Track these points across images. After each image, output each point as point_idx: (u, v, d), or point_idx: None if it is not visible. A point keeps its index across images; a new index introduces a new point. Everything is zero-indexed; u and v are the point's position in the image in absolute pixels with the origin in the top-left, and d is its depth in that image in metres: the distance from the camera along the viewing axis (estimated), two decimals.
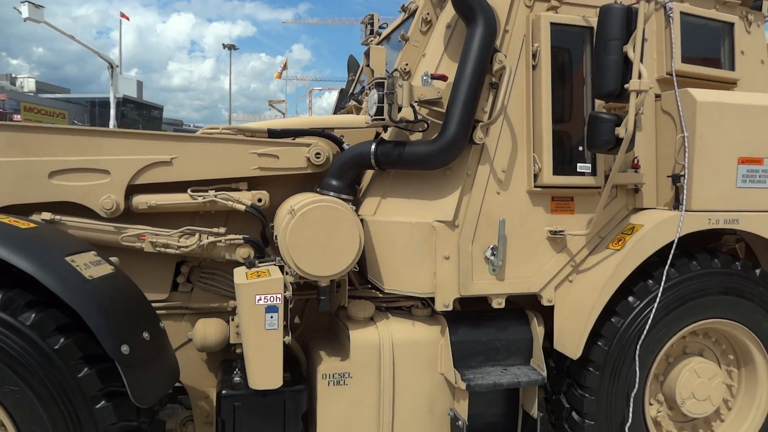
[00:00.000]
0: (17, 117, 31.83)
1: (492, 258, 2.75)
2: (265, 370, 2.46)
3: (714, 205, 2.88)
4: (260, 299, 2.42)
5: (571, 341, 2.80)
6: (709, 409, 3.01)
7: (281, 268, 2.59)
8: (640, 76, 2.40)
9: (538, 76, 2.77)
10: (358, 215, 2.80)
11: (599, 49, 2.51)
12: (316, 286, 2.63)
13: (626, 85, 2.42)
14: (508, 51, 2.79)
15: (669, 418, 3.09)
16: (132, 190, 2.72)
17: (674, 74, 2.95)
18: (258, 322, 2.43)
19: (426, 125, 2.75)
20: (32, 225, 2.29)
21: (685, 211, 2.82)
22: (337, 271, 2.53)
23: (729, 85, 3.21)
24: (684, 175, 2.84)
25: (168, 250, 2.70)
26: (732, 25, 3.20)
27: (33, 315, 2.03)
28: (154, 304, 2.82)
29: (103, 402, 2.07)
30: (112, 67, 24.62)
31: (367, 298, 2.95)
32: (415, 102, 2.68)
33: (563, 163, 2.82)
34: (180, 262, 2.94)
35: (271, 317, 2.43)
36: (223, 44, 46.36)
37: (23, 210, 2.54)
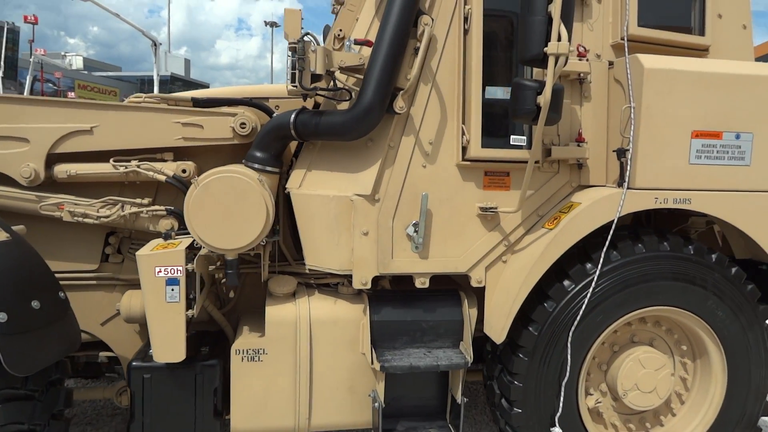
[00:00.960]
0: (71, 94, 33.06)
1: (413, 235, 2.61)
2: (166, 343, 2.44)
3: (663, 182, 2.64)
4: (159, 271, 2.38)
5: (497, 324, 2.65)
6: (654, 402, 2.81)
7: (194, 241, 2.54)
8: (559, 39, 2.19)
9: (469, 41, 2.58)
10: (285, 188, 2.72)
11: (524, 10, 2.32)
12: (224, 259, 2.57)
13: (544, 49, 2.21)
14: (438, 14, 2.61)
15: (613, 409, 2.91)
16: (54, 159, 2.71)
17: (626, 39, 2.69)
18: (158, 294, 2.40)
19: (350, 95, 2.62)
20: None
21: (629, 188, 2.60)
22: (243, 245, 2.46)
23: (699, 51, 2.92)
24: (629, 150, 2.61)
25: (87, 220, 2.69)
26: None
27: None
28: (83, 274, 2.85)
29: None
30: (155, 45, 25.15)
31: (296, 274, 2.89)
32: (336, 69, 2.56)
33: (494, 136, 2.63)
34: (109, 233, 2.93)
35: (172, 290, 2.40)
36: (265, 22, 46.59)
37: None
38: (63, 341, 2.30)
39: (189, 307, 2.48)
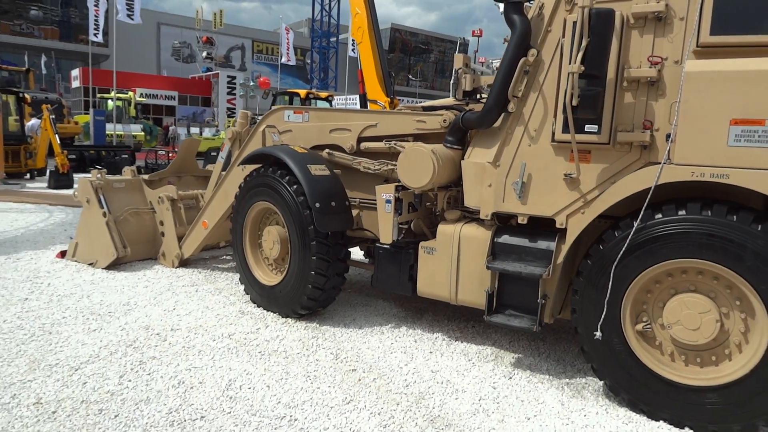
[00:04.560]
0: None
1: (516, 188, 4.14)
2: (385, 234, 4.74)
3: (700, 160, 3.35)
4: (383, 195, 4.70)
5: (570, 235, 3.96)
6: (698, 339, 3.49)
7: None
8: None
9: (564, 66, 3.90)
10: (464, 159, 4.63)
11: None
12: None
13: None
14: (545, 46, 4.03)
15: (671, 340, 3.66)
16: (361, 140, 5.39)
17: (697, 47, 3.46)
18: (382, 206, 4.72)
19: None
20: (304, 151, 5.25)
21: (667, 163, 3.45)
22: (419, 185, 4.50)
23: None
24: (671, 134, 3.45)
25: (370, 171, 5.26)
26: None
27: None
28: (363, 198, 5.48)
29: None
30: None
31: (463, 210, 4.74)
32: (482, 85, 4.34)
33: (574, 125, 3.87)
34: (385, 179, 5.44)
35: (387, 204, 4.68)
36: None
37: (316, 148, 5.58)
38: (344, 223, 4.92)
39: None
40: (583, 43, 3.50)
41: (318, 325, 5.02)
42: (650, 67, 3.65)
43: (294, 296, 5.03)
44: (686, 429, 3.53)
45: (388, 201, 4.70)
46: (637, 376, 3.68)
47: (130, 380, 3.79)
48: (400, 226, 4.90)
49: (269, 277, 5.45)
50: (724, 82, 3.28)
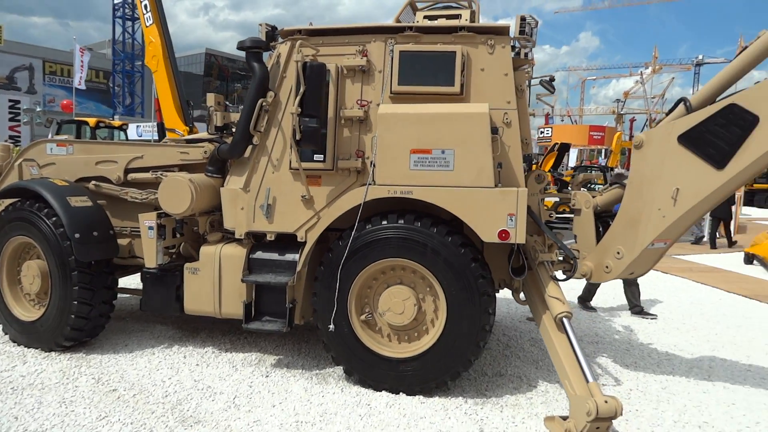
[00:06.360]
0: None
1: (263, 210, 4.77)
2: (149, 258, 5.03)
3: (393, 180, 4.33)
4: (145, 222, 4.99)
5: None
6: (404, 321, 4.44)
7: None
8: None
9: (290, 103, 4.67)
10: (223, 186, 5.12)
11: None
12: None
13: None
14: (282, 89, 4.76)
15: (388, 325, 4.57)
16: (128, 171, 5.59)
17: (391, 94, 4.46)
18: (145, 232, 5.01)
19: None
20: (64, 183, 5.31)
21: (372, 184, 4.37)
22: (181, 211, 4.89)
23: (455, 96, 4.47)
24: (373, 160, 4.39)
25: (136, 200, 5.50)
26: (454, 53, 4.45)
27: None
28: (128, 226, 5.69)
29: None
30: None
31: (224, 232, 5.23)
32: (231, 122, 4.92)
33: (306, 155, 4.64)
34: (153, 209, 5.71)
35: (150, 231, 4.98)
36: None
37: (83, 180, 5.65)
38: (107, 251, 5.08)
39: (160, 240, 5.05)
40: (301, 89, 4.28)
41: (84, 355, 5.06)
42: (359, 109, 4.59)
43: (56, 328, 5.01)
44: (401, 394, 4.43)
45: (150, 227, 5.01)
46: (363, 358, 4.51)
47: None
48: (169, 250, 5.23)
49: (30, 313, 5.31)
50: (405, 121, 4.30)
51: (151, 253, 5.03)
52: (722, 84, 4.25)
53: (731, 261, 12.03)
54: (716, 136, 3.96)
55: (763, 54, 3.97)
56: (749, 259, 11.81)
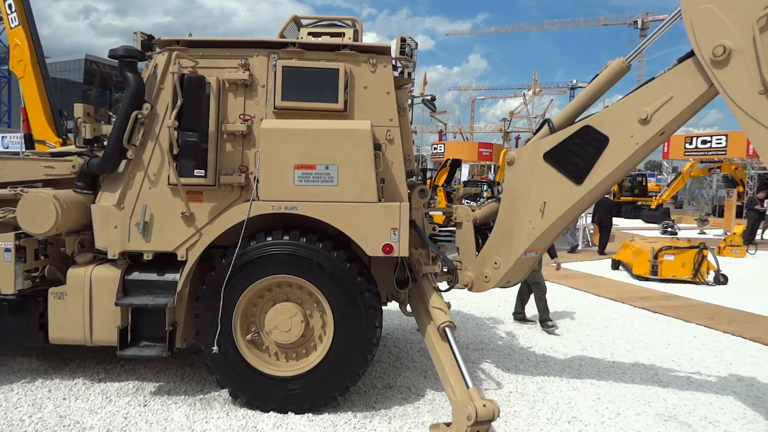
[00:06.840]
0: None
1: (138, 228, 4.50)
2: (4, 284, 4.53)
3: (277, 196, 4.27)
4: (2, 244, 4.50)
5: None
6: (291, 338, 4.37)
7: None
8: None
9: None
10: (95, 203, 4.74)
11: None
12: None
13: None
14: (159, 101, 4.54)
15: (276, 344, 4.48)
16: None
17: (274, 109, 4.41)
18: (1, 256, 4.52)
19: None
20: None
21: (257, 200, 4.28)
22: (44, 231, 4.47)
23: (339, 113, 4.51)
24: (256, 176, 4.31)
25: None
26: (337, 70, 4.51)
27: None
28: None
29: None
30: None
31: (96, 252, 4.86)
32: (102, 134, 4.60)
33: (186, 170, 4.45)
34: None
35: (7, 254, 4.50)
36: None
37: None
38: None
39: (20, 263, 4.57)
40: (178, 102, 4.12)
41: None
42: (242, 123, 4.49)
43: None
44: (289, 413, 4.35)
45: (7, 249, 4.53)
46: (250, 379, 4.38)
47: None
48: (31, 274, 4.76)
49: None
50: (289, 136, 4.28)
51: (8, 278, 4.55)
52: (579, 107, 4.69)
53: (600, 267, 13.20)
54: (575, 154, 4.36)
55: (611, 80, 4.44)
56: (615, 264, 13.04)
